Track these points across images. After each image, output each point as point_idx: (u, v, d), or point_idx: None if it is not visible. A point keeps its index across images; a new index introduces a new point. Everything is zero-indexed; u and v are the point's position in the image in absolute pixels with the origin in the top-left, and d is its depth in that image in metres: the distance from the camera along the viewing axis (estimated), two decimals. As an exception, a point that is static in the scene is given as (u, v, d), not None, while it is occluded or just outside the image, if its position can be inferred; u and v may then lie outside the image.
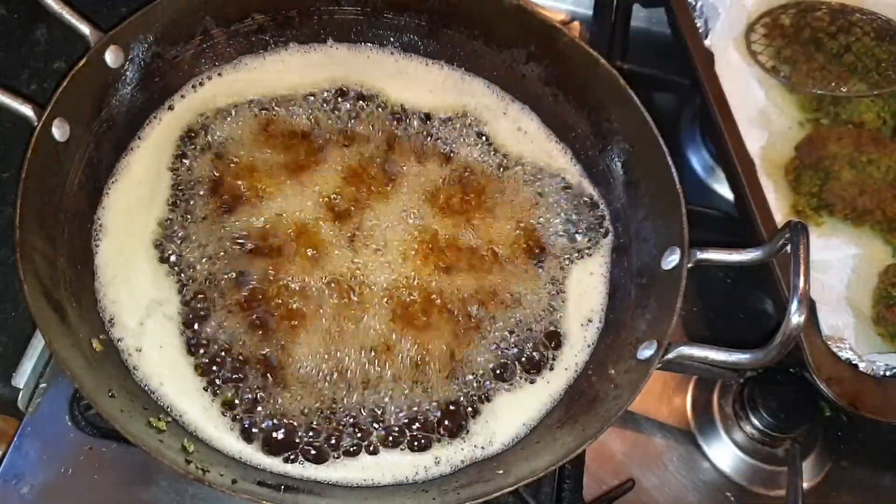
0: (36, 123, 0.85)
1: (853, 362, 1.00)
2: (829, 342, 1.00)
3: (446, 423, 0.92)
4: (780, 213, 1.11)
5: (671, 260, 0.92)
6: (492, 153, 1.07)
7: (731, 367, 1.02)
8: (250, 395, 0.90)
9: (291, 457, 0.88)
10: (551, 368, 0.97)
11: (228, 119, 1.03)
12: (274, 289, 0.95)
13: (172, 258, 0.95)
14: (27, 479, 0.96)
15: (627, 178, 1.03)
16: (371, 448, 0.90)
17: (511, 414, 0.94)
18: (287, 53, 1.09)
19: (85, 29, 0.91)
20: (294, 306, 0.95)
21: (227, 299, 0.94)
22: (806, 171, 1.14)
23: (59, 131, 0.88)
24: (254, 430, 0.89)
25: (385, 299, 0.96)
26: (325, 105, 1.06)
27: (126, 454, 0.98)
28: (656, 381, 1.12)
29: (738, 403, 1.09)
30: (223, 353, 0.92)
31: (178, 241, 0.96)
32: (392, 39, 1.11)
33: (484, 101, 1.10)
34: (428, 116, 1.08)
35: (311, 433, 0.90)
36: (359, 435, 0.90)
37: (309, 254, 0.97)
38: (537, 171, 1.07)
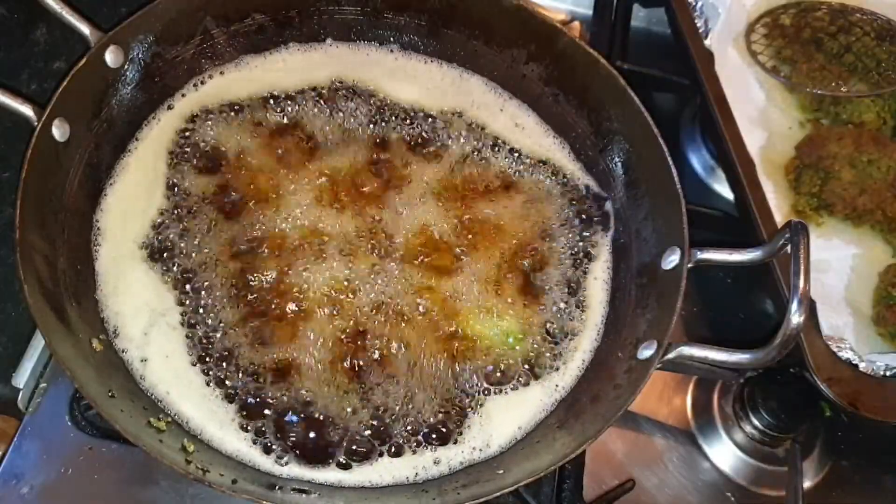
0: (36, 123, 0.85)
1: (853, 362, 1.00)
2: (829, 342, 1.00)
3: (446, 425, 0.92)
4: (780, 213, 1.11)
5: (671, 260, 0.92)
6: (490, 150, 1.07)
7: (732, 367, 1.02)
8: (254, 399, 0.90)
9: (293, 457, 0.88)
10: (551, 370, 0.97)
11: (227, 118, 1.03)
12: (274, 291, 0.95)
13: (170, 264, 0.95)
14: (27, 479, 0.96)
15: (627, 178, 1.03)
16: (372, 449, 0.90)
17: (510, 416, 0.94)
18: (287, 52, 1.09)
19: (85, 29, 0.91)
20: (294, 309, 0.94)
21: (227, 304, 0.94)
22: (806, 171, 1.14)
23: (59, 131, 0.88)
24: (258, 432, 0.89)
25: (388, 300, 0.96)
26: (325, 104, 1.06)
27: (126, 454, 0.98)
28: (656, 381, 1.12)
29: (739, 403, 1.09)
30: (227, 358, 0.91)
31: (176, 246, 0.96)
32: (392, 39, 1.11)
33: (482, 99, 1.10)
34: (427, 114, 1.08)
35: (313, 435, 0.90)
36: (360, 437, 0.90)
37: (308, 255, 0.97)
38: (536, 167, 1.07)
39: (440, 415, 0.92)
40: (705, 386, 1.13)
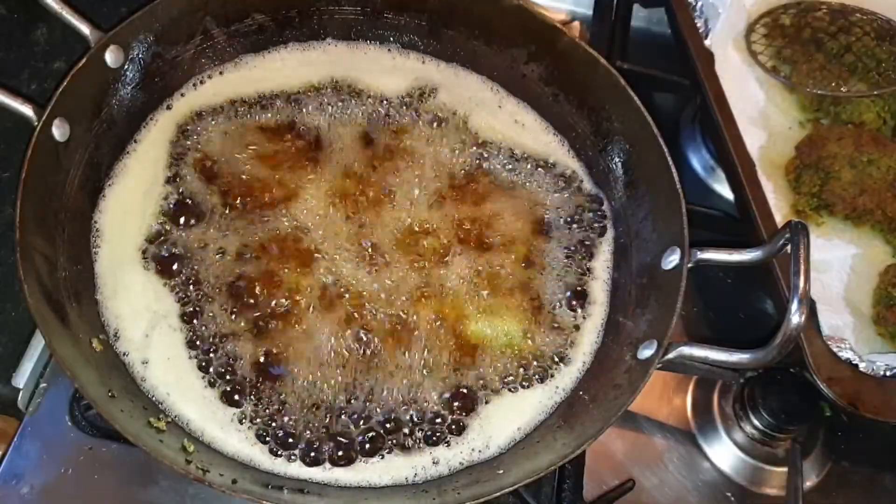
0: (36, 123, 0.85)
1: (853, 362, 1.00)
2: (829, 342, 1.00)
3: (445, 425, 0.92)
4: (780, 213, 1.11)
5: (671, 260, 0.92)
6: (490, 148, 1.07)
7: (732, 367, 1.02)
8: (255, 399, 0.90)
9: (293, 457, 0.88)
10: (551, 371, 0.97)
11: (227, 118, 1.03)
12: (276, 292, 0.95)
13: (170, 266, 0.94)
14: (27, 479, 0.96)
15: (627, 178, 1.03)
16: (372, 449, 0.90)
17: (509, 417, 0.94)
18: (287, 52, 1.09)
19: (85, 29, 0.91)
20: (296, 309, 0.94)
21: (228, 305, 0.94)
22: (806, 171, 1.14)
23: (59, 131, 0.88)
24: (260, 432, 0.89)
25: (387, 299, 0.96)
26: (324, 103, 1.06)
27: (126, 454, 0.98)
28: (656, 381, 1.12)
29: (739, 403, 1.09)
30: (229, 360, 0.91)
31: (176, 248, 0.95)
32: (392, 39, 1.11)
33: (481, 97, 1.10)
34: (426, 113, 1.08)
35: (313, 435, 0.90)
36: (360, 438, 0.90)
37: (309, 255, 0.97)
38: (536, 166, 1.07)
39: (439, 415, 0.92)
40: (705, 386, 1.13)
